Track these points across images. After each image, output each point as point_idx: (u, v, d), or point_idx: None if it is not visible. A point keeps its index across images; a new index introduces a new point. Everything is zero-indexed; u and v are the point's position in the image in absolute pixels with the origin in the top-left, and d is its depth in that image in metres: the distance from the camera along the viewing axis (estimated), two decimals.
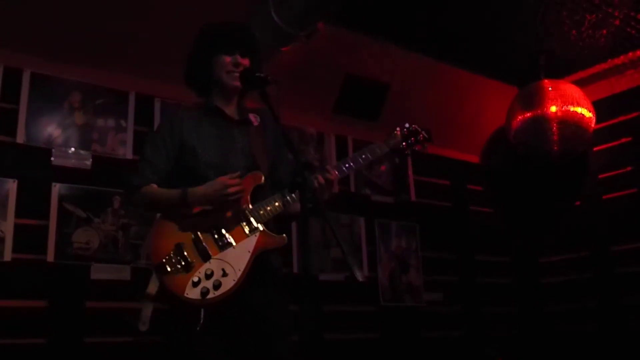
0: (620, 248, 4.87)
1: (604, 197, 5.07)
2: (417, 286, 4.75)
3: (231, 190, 2.15)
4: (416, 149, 2.67)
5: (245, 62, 2.38)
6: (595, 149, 5.17)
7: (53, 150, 3.41)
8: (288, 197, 2.26)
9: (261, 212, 2.25)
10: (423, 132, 2.68)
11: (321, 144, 4.58)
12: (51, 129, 3.44)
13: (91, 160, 3.52)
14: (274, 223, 2.33)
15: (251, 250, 2.18)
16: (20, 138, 3.33)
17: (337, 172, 2.35)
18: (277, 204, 2.27)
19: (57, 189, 3.36)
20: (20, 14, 3.30)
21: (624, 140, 5.00)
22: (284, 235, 2.27)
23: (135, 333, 2.10)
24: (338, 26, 4.14)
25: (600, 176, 5.12)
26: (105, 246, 3.43)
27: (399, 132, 2.64)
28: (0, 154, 3.26)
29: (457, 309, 4.96)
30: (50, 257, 3.24)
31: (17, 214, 3.21)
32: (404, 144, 2.63)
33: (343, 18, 4.02)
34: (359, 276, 1.93)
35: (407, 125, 2.66)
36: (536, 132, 4.83)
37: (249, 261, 2.16)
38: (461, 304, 5.01)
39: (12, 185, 3.23)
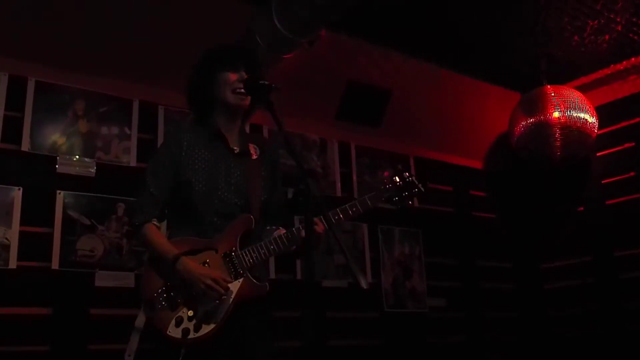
0: (624, 253, 4.86)
1: (607, 202, 5.06)
2: (420, 292, 4.74)
3: (214, 290, 2.14)
4: (409, 203, 2.52)
5: None
6: (598, 154, 5.17)
7: (58, 158, 3.43)
8: (285, 240, 2.27)
9: (247, 258, 2.26)
10: (419, 186, 2.52)
11: (324, 151, 4.58)
12: (56, 137, 3.46)
13: (95, 167, 3.53)
14: (261, 267, 2.35)
15: (233, 298, 2.19)
16: (25, 146, 3.34)
17: (325, 225, 2.28)
18: (263, 251, 2.27)
19: (61, 196, 3.37)
20: (25, 22, 3.32)
21: (626, 145, 5.00)
22: (266, 283, 2.27)
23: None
24: (340, 33, 4.16)
25: (603, 181, 5.12)
26: (110, 253, 3.44)
27: (393, 185, 2.49)
28: (5, 162, 3.27)
29: (460, 315, 4.96)
30: (54, 264, 3.25)
31: (22, 222, 3.22)
32: (396, 198, 2.49)
33: (345, 25, 4.04)
34: (364, 284, 1.93)
35: (405, 175, 2.51)
36: (539, 138, 4.83)
37: (230, 308, 2.18)
38: (464, 309, 5.00)
39: (17, 193, 3.25)
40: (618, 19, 4.18)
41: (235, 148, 2.41)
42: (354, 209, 2.39)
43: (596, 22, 4.21)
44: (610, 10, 4.07)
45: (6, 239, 3.15)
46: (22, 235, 3.21)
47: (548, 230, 5.55)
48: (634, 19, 4.18)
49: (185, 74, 2.46)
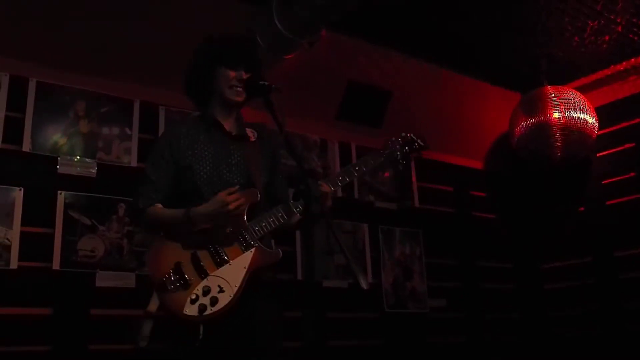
0: (624, 253, 4.86)
1: (607, 202, 5.07)
2: (420, 292, 4.75)
3: (231, 206, 2.18)
4: (411, 157, 2.64)
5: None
6: (598, 154, 5.17)
7: (59, 158, 3.43)
8: (292, 207, 2.28)
9: (256, 228, 2.28)
10: (418, 141, 2.67)
11: (325, 151, 4.59)
12: (56, 137, 3.46)
13: (96, 168, 3.54)
14: (271, 237, 2.37)
15: (246, 267, 2.21)
16: (26, 146, 3.34)
17: (331, 186, 2.35)
18: (271, 219, 2.30)
19: (62, 196, 3.37)
20: (26, 23, 3.33)
21: (627, 146, 5.00)
22: (279, 250, 2.30)
23: (135, 349, 2.14)
24: (340, 33, 4.16)
25: (603, 182, 5.12)
26: (110, 254, 3.44)
27: (393, 142, 2.62)
28: (7, 162, 3.28)
29: (460, 315, 4.96)
30: (55, 264, 3.25)
31: (23, 222, 3.22)
32: (398, 153, 2.61)
33: (345, 25, 4.04)
34: (364, 284, 1.93)
35: (402, 134, 2.64)
36: (539, 138, 4.84)
37: (244, 277, 2.19)
38: (464, 309, 5.01)
39: (18, 194, 3.25)
40: (618, 20, 4.19)
41: (232, 131, 2.44)
42: (357, 168, 2.46)
43: (596, 22, 4.21)
44: (611, 10, 4.07)
45: (7, 239, 3.15)
46: (23, 235, 3.21)
47: (548, 230, 5.55)
48: (634, 20, 4.18)
49: (186, 63, 2.47)
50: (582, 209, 5.32)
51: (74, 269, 3.30)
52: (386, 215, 4.74)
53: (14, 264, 3.13)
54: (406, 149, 2.63)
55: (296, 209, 2.30)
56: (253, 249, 2.25)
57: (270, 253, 2.28)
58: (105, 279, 3.37)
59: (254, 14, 3.71)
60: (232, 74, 2.37)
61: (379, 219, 4.67)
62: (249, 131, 2.47)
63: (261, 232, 2.28)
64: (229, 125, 2.45)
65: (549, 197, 5.54)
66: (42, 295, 3.18)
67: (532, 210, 5.62)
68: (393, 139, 2.63)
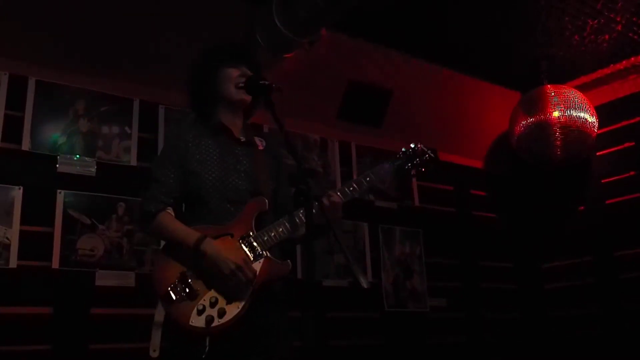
0: (624, 253, 4.86)
1: (607, 201, 5.06)
2: (420, 292, 4.74)
3: (242, 274, 2.10)
4: (421, 170, 2.58)
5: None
6: (598, 153, 5.17)
7: (58, 157, 3.42)
8: (296, 218, 2.24)
9: (265, 238, 2.22)
10: (429, 152, 2.59)
11: (325, 151, 4.59)
12: (56, 136, 3.45)
13: (96, 167, 3.53)
14: (279, 248, 2.30)
15: (256, 278, 2.15)
16: (25, 145, 3.34)
17: (341, 196, 2.31)
18: (281, 229, 2.24)
19: (62, 195, 3.37)
20: (25, 22, 3.32)
21: (627, 144, 5.00)
22: (288, 261, 2.24)
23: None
24: (340, 33, 4.16)
25: (603, 181, 5.12)
26: (110, 253, 3.44)
27: (403, 154, 2.56)
28: (6, 161, 3.27)
29: (460, 315, 4.96)
30: (55, 263, 3.24)
31: (23, 221, 3.22)
32: (408, 164, 2.55)
33: (345, 25, 4.04)
34: (364, 283, 1.92)
35: (412, 145, 2.57)
36: (539, 137, 4.84)
37: (253, 289, 2.14)
38: (465, 309, 5.00)
39: (17, 193, 3.24)
40: (618, 19, 4.18)
41: (241, 138, 2.40)
42: (368, 179, 2.41)
43: (596, 21, 4.21)
44: (611, 9, 4.07)
45: (6, 238, 3.15)
46: (23, 234, 3.20)
47: (548, 230, 5.55)
48: (634, 19, 4.18)
49: (186, 73, 2.46)
50: (582, 208, 5.32)
51: (73, 268, 3.29)
52: (386, 215, 4.73)
53: (13, 263, 3.12)
54: (417, 161, 2.56)
55: (300, 221, 2.24)
56: (262, 260, 2.20)
57: (279, 265, 2.22)
58: (105, 278, 3.36)
59: (254, 13, 3.71)
60: (235, 72, 2.34)
61: (379, 218, 4.67)
62: (257, 139, 2.44)
63: (270, 241, 2.22)
64: (237, 131, 2.40)
65: (549, 196, 5.54)
66: (41, 295, 3.17)
67: (532, 209, 5.62)
68: (403, 149, 2.57)
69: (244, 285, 2.12)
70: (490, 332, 5.06)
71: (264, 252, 2.21)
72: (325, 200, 2.24)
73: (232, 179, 2.28)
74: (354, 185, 2.37)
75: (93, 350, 3.23)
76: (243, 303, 2.11)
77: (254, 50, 2.54)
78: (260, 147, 2.42)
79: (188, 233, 2.17)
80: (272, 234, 2.23)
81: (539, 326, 5.38)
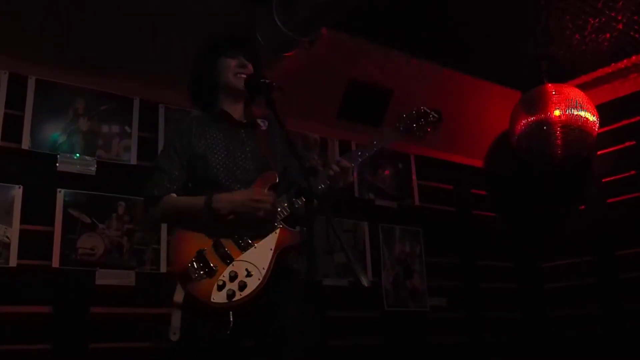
0: (625, 252, 4.85)
1: (608, 201, 5.06)
2: (421, 291, 4.74)
3: (264, 202, 2.15)
4: (428, 130, 2.58)
5: (249, 65, 2.41)
6: (598, 152, 5.16)
7: (58, 156, 3.42)
8: (293, 202, 2.26)
9: (279, 209, 2.25)
10: (432, 113, 2.59)
11: (325, 150, 4.58)
12: (56, 135, 3.45)
13: (96, 166, 3.53)
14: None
15: (273, 248, 2.18)
16: (25, 144, 3.34)
17: (351, 162, 2.32)
18: (285, 204, 2.27)
19: (62, 194, 3.37)
20: (25, 21, 3.32)
21: (627, 144, 4.99)
22: (299, 230, 2.27)
23: (167, 341, 2.09)
24: (341, 32, 4.15)
25: (604, 180, 5.11)
26: (110, 252, 3.44)
27: (407, 116, 2.56)
28: (6, 160, 3.27)
29: (460, 314, 4.95)
30: (55, 262, 3.24)
31: (23, 220, 3.22)
32: (414, 125, 2.54)
33: (346, 24, 4.03)
34: (365, 282, 1.93)
35: (414, 108, 2.58)
36: (540, 137, 4.83)
37: (272, 259, 2.16)
38: (465, 308, 5.00)
39: (17, 191, 3.24)
40: (619, 18, 4.18)
41: (243, 120, 2.43)
42: (375, 142, 2.42)
43: (597, 20, 4.21)
44: (612, 8, 4.06)
45: (6, 237, 3.15)
46: (23, 233, 3.20)
47: (549, 229, 5.55)
48: (635, 17, 4.17)
49: (186, 72, 2.48)
50: (583, 207, 5.31)
51: (73, 267, 3.29)
52: (386, 214, 4.73)
53: (13, 262, 3.12)
54: (422, 122, 2.57)
55: (296, 205, 2.27)
56: (278, 230, 2.22)
57: (294, 233, 2.25)
58: (105, 277, 3.36)
59: (254, 12, 3.70)
60: (233, 61, 2.38)
61: (379, 217, 4.67)
62: (259, 121, 2.46)
63: (284, 212, 2.25)
64: (238, 115, 2.44)
65: (550, 195, 5.53)
66: (41, 294, 3.17)
67: (532, 208, 5.62)
68: (406, 113, 2.57)
69: (271, 214, 2.17)
70: (490, 332, 5.06)
71: (279, 223, 2.24)
72: (334, 167, 2.27)
73: (239, 160, 2.32)
74: (363, 150, 2.39)
75: (93, 350, 3.22)
76: (264, 273, 2.12)
77: (253, 41, 2.54)
78: (263, 128, 2.44)
79: (196, 199, 2.21)
80: (285, 204, 2.26)
81: (539, 326, 5.37)
